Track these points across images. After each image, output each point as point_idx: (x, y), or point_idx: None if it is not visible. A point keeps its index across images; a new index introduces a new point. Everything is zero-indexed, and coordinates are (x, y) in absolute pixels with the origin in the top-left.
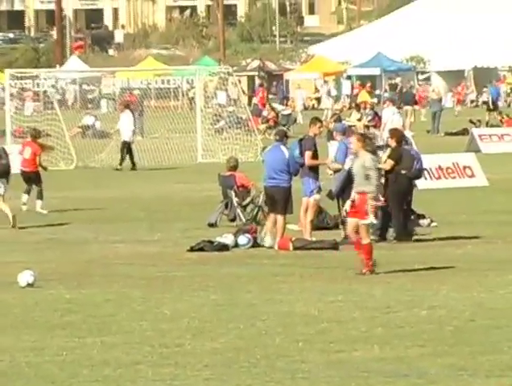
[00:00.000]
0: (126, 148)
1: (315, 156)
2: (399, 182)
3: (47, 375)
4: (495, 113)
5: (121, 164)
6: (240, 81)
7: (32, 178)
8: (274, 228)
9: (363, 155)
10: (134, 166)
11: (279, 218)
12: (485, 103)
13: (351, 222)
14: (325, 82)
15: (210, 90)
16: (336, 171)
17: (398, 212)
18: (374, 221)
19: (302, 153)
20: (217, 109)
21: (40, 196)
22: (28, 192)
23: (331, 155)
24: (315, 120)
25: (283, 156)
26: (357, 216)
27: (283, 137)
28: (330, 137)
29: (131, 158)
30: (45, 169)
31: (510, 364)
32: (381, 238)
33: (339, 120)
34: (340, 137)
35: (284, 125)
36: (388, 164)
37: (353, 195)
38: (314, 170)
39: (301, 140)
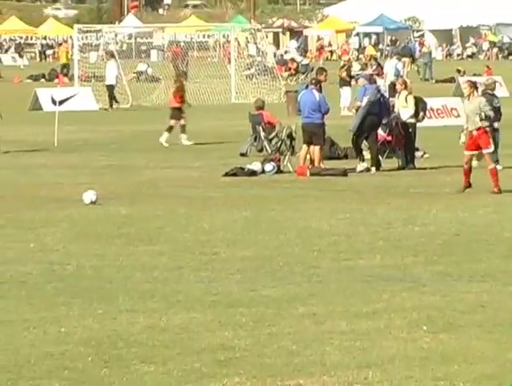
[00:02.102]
0: (112, 90)
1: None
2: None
3: (107, 276)
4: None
5: (111, 105)
6: (267, 36)
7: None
8: (305, 156)
9: (476, 98)
10: (110, 107)
11: (316, 148)
12: (469, 56)
13: (468, 154)
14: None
15: (242, 43)
16: (356, 109)
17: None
18: (493, 149)
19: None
20: (248, 59)
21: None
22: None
23: (343, 98)
24: (322, 69)
25: (315, 99)
26: (481, 147)
27: (317, 83)
28: (342, 83)
29: (111, 99)
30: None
31: (488, 271)
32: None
33: (348, 69)
34: (362, 81)
35: (303, 73)
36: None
37: (471, 131)
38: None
39: (306, 86)
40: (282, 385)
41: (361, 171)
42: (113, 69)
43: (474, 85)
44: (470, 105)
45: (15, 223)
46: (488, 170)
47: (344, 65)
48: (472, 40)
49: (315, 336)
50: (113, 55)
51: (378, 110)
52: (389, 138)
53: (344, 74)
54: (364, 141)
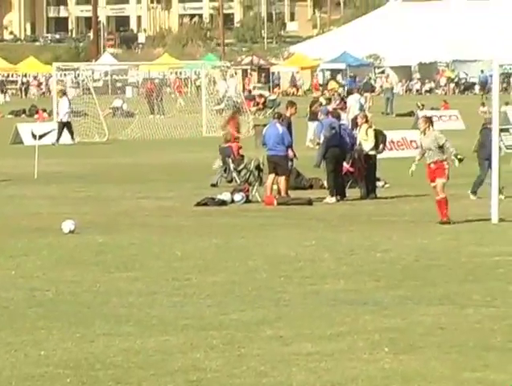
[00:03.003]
0: (62, 127)
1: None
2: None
3: (85, 301)
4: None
5: (58, 140)
6: (236, 73)
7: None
8: (272, 186)
9: (431, 132)
10: (57, 141)
11: (282, 178)
12: (427, 91)
13: (433, 186)
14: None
15: (212, 80)
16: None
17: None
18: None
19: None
20: (218, 95)
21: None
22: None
23: (311, 131)
24: (292, 103)
25: (279, 132)
26: (436, 176)
27: (280, 117)
28: (311, 117)
29: (71, 133)
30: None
31: (446, 294)
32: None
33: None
34: (323, 116)
35: (270, 108)
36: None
37: (429, 164)
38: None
39: (280, 116)
40: None
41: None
42: (64, 106)
43: (429, 120)
44: (427, 139)
45: None
46: (436, 200)
47: (315, 100)
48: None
49: (282, 357)
50: (64, 93)
51: (338, 142)
52: (351, 169)
53: (316, 108)
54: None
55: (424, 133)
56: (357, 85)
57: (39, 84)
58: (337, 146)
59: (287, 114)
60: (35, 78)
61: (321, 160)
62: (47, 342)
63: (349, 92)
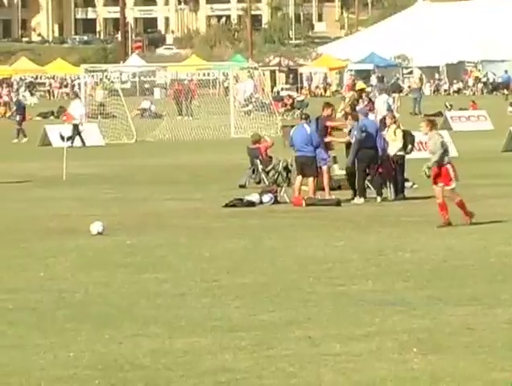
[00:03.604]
0: (76, 129)
1: (327, 132)
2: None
3: (113, 303)
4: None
5: (72, 143)
6: (264, 74)
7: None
8: (300, 187)
9: (434, 135)
10: (83, 144)
11: (310, 179)
12: (455, 92)
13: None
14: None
15: (241, 80)
16: (347, 144)
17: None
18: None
19: (317, 129)
20: (248, 96)
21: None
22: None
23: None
24: (328, 104)
25: (307, 132)
26: (444, 183)
27: (307, 118)
28: (345, 117)
29: (80, 137)
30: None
31: (474, 295)
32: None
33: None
34: (362, 117)
35: (298, 109)
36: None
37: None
38: (326, 143)
39: (318, 118)
40: None
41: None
42: (77, 108)
43: (432, 123)
44: (429, 142)
45: (27, 253)
46: (439, 203)
47: (349, 100)
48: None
49: (310, 358)
50: (77, 95)
51: (371, 144)
52: (380, 170)
53: (348, 108)
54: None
55: (428, 136)
56: (382, 86)
57: (61, 86)
58: (370, 148)
59: (325, 114)
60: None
61: (353, 160)
62: (75, 343)
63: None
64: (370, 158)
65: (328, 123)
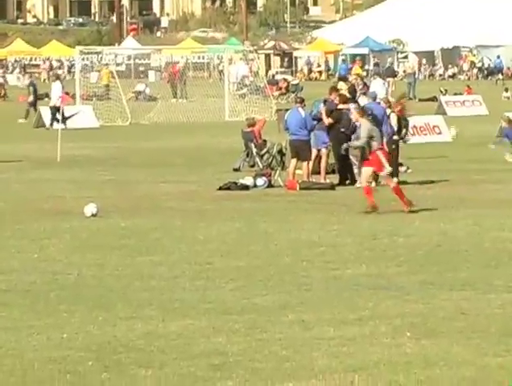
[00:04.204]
0: (55, 111)
1: (331, 115)
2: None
3: (107, 285)
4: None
5: (51, 124)
6: (258, 57)
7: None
8: (294, 171)
9: (364, 122)
10: (52, 124)
11: (304, 163)
12: (450, 77)
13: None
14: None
15: (236, 64)
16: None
17: (338, 160)
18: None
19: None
20: (241, 79)
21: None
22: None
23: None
24: (334, 88)
25: (301, 116)
26: (377, 169)
27: (302, 102)
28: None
29: (56, 119)
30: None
31: (468, 280)
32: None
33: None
34: (370, 100)
35: (293, 92)
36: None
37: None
38: (327, 127)
39: (325, 101)
40: None
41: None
42: (57, 91)
43: (362, 111)
44: (360, 129)
45: (21, 235)
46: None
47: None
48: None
49: (304, 342)
50: (58, 77)
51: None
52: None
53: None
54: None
55: (358, 122)
56: (377, 70)
57: (52, 69)
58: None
59: (332, 97)
60: (44, 62)
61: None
62: (69, 325)
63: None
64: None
65: (341, 106)
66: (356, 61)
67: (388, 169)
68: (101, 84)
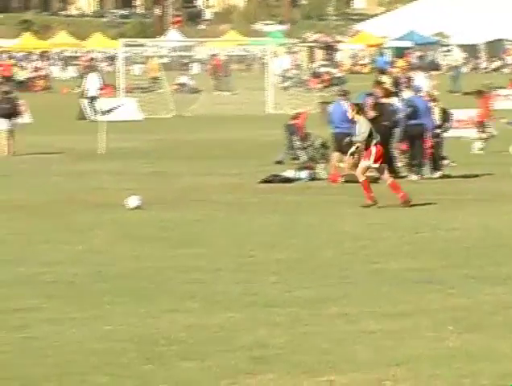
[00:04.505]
0: (92, 101)
1: (374, 109)
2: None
3: (149, 277)
4: None
5: (92, 115)
6: (301, 50)
7: None
8: (337, 164)
9: (360, 119)
10: (83, 118)
11: (346, 157)
12: (494, 70)
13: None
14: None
15: (279, 56)
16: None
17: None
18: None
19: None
20: (284, 72)
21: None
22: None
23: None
24: (378, 82)
25: (344, 109)
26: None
27: (345, 95)
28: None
29: (94, 110)
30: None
31: (510, 274)
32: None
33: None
34: (411, 93)
35: (336, 85)
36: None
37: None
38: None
39: (370, 94)
40: (314, 382)
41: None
42: (93, 82)
43: (357, 107)
44: (357, 125)
45: (65, 227)
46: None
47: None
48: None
49: (346, 335)
50: (94, 69)
51: (418, 120)
52: (426, 147)
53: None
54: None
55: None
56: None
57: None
58: (416, 125)
59: (376, 90)
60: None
61: (402, 137)
62: (111, 317)
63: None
64: (414, 135)
65: (383, 100)
66: (406, 54)
67: (370, 163)
68: (149, 76)
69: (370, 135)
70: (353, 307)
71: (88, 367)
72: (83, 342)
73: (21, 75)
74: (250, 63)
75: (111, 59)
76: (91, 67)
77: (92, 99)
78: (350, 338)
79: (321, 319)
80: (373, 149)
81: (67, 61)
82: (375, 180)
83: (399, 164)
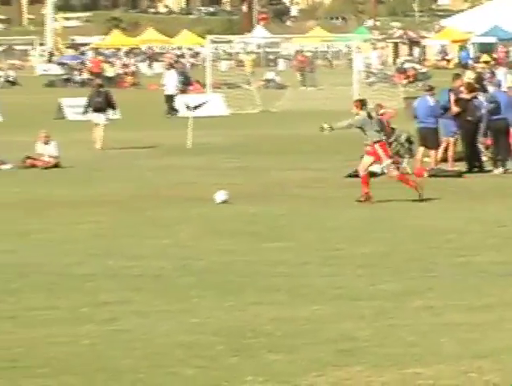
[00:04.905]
0: (170, 99)
1: (458, 104)
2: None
3: (236, 271)
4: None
5: (169, 113)
6: (387, 46)
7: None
8: (422, 158)
9: (360, 113)
10: (170, 113)
11: (432, 151)
12: None
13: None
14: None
15: (364, 53)
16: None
17: (466, 148)
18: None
19: (449, 100)
20: (369, 67)
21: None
22: None
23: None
24: (457, 75)
25: (430, 104)
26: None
27: (431, 90)
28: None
29: (171, 107)
30: None
31: None
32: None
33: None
34: (494, 88)
35: (421, 80)
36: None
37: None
38: (455, 116)
39: (450, 90)
40: (400, 374)
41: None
42: (172, 79)
43: (362, 103)
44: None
45: (152, 221)
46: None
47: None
48: None
49: (431, 328)
50: (172, 66)
51: (501, 115)
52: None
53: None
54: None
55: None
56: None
57: (178, 57)
58: (499, 119)
59: (456, 86)
60: (173, 50)
61: (486, 132)
62: (198, 310)
63: (464, 67)
64: (498, 130)
65: (463, 95)
66: (497, 50)
67: (386, 162)
68: (244, 71)
69: (363, 131)
70: (438, 300)
71: (175, 360)
72: (170, 335)
73: (110, 71)
74: (335, 59)
75: (197, 55)
76: (171, 65)
77: (170, 96)
78: (435, 331)
79: (406, 312)
80: (378, 148)
81: (152, 58)
82: (459, 175)
83: (484, 158)
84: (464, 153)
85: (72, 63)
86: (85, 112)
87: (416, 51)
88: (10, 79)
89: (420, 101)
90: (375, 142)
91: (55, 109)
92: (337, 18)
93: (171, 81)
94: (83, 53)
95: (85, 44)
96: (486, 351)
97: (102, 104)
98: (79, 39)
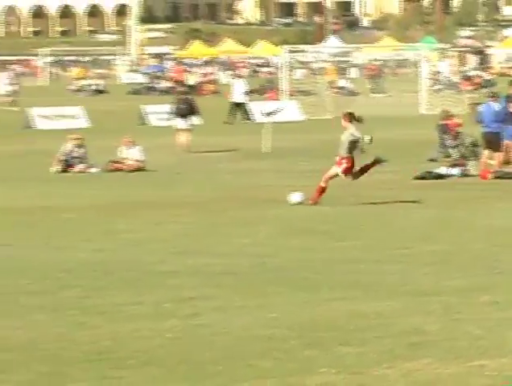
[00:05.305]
0: (235, 107)
1: None
2: None
3: (311, 268)
4: None
5: (230, 120)
6: (454, 56)
7: None
8: (487, 161)
9: (349, 129)
10: (246, 119)
11: (496, 154)
12: None
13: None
14: None
15: (431, 61)
16: None
17: None
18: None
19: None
20: (436, 75)
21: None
22: None
23: None
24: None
25: (495, 110)
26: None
27: (495, 96)
28: None
29: (245, 114)
30: None
31: None
32: None
33: None
34: None
35: (485, 87)
36: None
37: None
38: None
39: (508, 96)
40: (466, 367)
41: None
42: (240, 88)
43: (350, 116)
44: (343, 136)
45: (232, 221)
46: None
47: None
48: None
49: (497, 322)
50: (239, 76)
51: None
52: None
53: None
54: None
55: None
56: None
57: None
58: None
59: (511, 92)
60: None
61: None
62: (275, 305)
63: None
64: None
65: None
66: None
67: (339, 172)
68: (326, 79)
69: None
70: (503, 296)
71: (253, 353)
72: (248, 329)
73: (191, 79)
74: (402, 68)
75: (274, 64)
76: (237, 75)
77: (237, 104)
78: (501, 325)
79: (472, 307)
80: (344, 163)
81: (229, 67)
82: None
83: None
84: None
85: (154, 72)
86: (170, 118)
87: (481, 59)
88: (100, 88)
89: (485, 107)
90: (343, 158)
91: (138, 116)
92: (407, 29)
93: (238, 90)
94: (163, 63)
95: (166, 54)
96: None
97: (187, 110)
98: (158, 50)
